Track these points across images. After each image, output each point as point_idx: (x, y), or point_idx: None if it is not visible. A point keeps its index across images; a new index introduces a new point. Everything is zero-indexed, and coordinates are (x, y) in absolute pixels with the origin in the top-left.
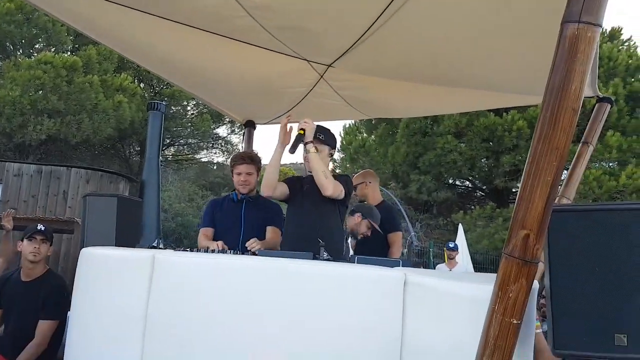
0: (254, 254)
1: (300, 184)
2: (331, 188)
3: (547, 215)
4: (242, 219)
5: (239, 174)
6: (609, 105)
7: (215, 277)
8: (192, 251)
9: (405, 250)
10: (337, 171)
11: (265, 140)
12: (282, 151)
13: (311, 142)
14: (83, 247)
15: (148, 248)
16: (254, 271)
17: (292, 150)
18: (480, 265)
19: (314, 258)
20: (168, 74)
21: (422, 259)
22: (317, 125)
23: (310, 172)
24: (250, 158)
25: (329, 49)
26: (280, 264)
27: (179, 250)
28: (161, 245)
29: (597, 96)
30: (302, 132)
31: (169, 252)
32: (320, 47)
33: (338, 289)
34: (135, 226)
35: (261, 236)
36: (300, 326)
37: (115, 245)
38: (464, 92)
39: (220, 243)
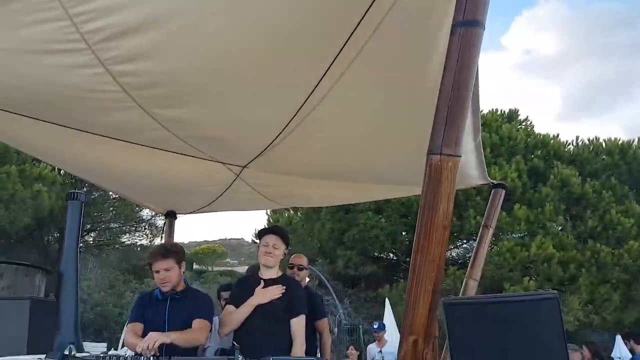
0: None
1: (252, 287)
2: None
3: (432, 321)
4: (166, 319)
5: (157, 271)
6: (503, 191)
7: None
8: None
9: (336, 329)
10: None
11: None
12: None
13: None
14: None
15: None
16: None
17: None
18: None
19: None
20: (84, 174)
21: (354, 337)
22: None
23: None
24: (165, 252)
25: (241, 153)
26: None
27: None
28: (74, 352)
29: (491, 183)
30: None
31: None
32: (233, 152)
33: None
34: (50, 328)
35: None
36: None
37: (27, 351)
38: (366, 185)
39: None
